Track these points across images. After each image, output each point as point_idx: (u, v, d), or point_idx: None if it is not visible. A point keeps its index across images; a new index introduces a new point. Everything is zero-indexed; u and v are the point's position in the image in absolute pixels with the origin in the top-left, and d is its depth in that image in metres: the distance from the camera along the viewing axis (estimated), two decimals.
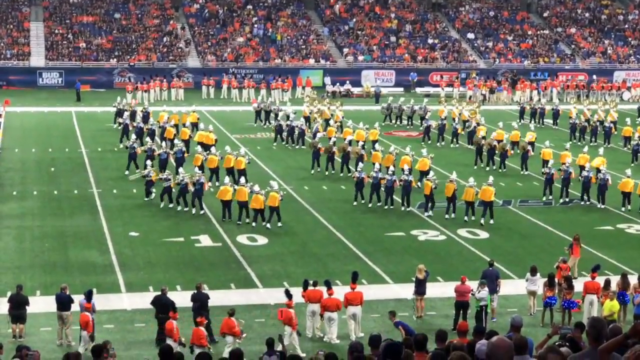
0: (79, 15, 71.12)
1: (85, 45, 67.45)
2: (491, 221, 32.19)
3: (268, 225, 31.00)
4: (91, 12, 71.67)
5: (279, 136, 45.50)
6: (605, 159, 37.54)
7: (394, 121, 51.85)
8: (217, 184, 35.22)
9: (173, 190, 33.23)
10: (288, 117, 46.00)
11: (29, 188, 36.06)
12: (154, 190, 34.17)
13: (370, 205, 33.87)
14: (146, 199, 34.12)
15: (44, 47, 67.09)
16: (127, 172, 37.86)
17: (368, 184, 34.02)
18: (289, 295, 21.55)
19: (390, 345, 9.52)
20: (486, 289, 22.50)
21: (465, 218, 32.37)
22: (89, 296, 21.09)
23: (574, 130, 47.33)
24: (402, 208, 33.55)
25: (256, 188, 31.34)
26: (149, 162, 35.26)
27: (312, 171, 39.00)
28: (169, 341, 19.90)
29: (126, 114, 45.89)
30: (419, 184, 35.01)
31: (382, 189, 33.80)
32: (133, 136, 39.93)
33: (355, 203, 34.08)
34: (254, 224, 31.06)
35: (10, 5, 71.18)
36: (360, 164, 35.30)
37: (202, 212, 32.55)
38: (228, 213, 31.79)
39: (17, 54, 65.97)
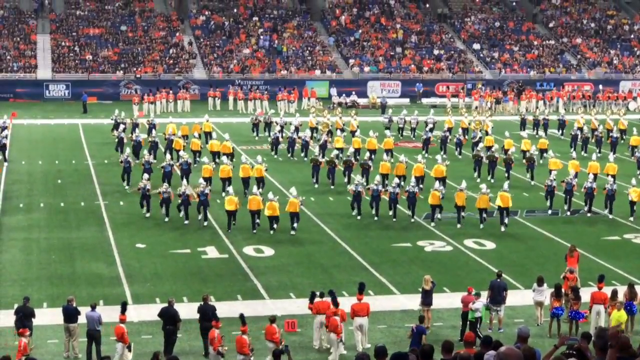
0: (86, 27, 71.38)
1: (91, 57, 67.68)
2: (502, 228, 32.22)
3: (293, 232, 31.31)
4: (97, 24, 71.93)
5: (277, 148, 45.52)
6: (616, 166, 37.71)
7: (397, 132, 51.81)
8: (223, 194, 35.27)
9: (178, 201, 33.21)
10: (296, 128, 46.00)
11: (36, 200, 36.11)
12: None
13: (376, 218, 33.81)
14: (147, 215, 33.86)
15: (51, 59, 67.33)
16: (126, 187, 37.75)
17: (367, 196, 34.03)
18: (335, 303, 21.51)
19: (398, 355, 9.51)
20: (481, 300, 22.49)
21: (482, 225, 32.40)
22: (123, 308, 21.04)
23: (575, 140, 47.09)
24: (412, 220, 33.53)
25: (270, 195, 31.46)
26: (145, 175, 34.77)
27: (316, 185, 38.90)
28: (209, 349, 20.12)
29: (122, 127, 45.92)
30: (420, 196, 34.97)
31: (387, 199, 33.75)
32: (127, 150, 39.78)
33: (358, 217, 33.88)
34: (271, 231, 31.21)
35: (17, 18, 71.49)
36: (358, 177, 35.37)
37: (205, 223, 32.56)
38: (233, 222, 31.86)
39: (23, 66, 66.20)
